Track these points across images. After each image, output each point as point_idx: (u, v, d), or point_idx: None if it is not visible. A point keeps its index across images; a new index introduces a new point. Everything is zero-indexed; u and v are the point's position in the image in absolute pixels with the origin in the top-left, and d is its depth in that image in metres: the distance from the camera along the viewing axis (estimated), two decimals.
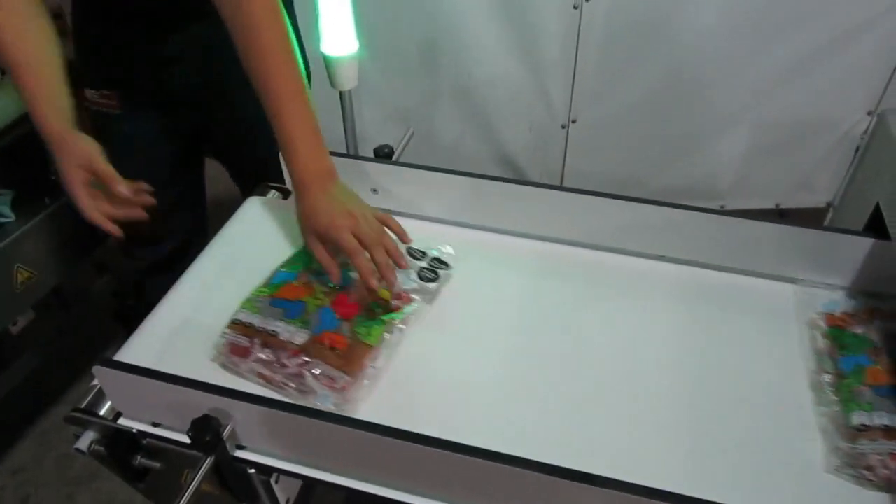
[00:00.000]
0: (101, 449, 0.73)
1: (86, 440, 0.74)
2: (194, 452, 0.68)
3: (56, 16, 1.50)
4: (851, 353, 0.76)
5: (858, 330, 0.79)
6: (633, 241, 0.91)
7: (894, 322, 0.79)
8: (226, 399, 0.65)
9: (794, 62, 1.54)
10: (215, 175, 1.36)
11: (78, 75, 1.07)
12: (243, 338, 0.77)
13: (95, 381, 0.74)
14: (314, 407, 0.70)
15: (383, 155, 1.03)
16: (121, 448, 0.74)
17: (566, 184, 1.79)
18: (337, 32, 1.02)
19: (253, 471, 0.70)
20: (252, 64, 0.84)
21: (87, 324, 1.84)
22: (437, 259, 0.89)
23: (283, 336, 0.76)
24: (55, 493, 1.54)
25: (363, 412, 0.72)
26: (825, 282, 0.87)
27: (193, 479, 0.65)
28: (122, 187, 0.88)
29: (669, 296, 0.87)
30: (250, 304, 0.82)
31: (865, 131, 1.63)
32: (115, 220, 0.91)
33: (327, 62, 1.06)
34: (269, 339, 0.76)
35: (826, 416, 0.71)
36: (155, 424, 0.73)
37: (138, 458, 0.75)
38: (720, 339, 0.81)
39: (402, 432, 0.61)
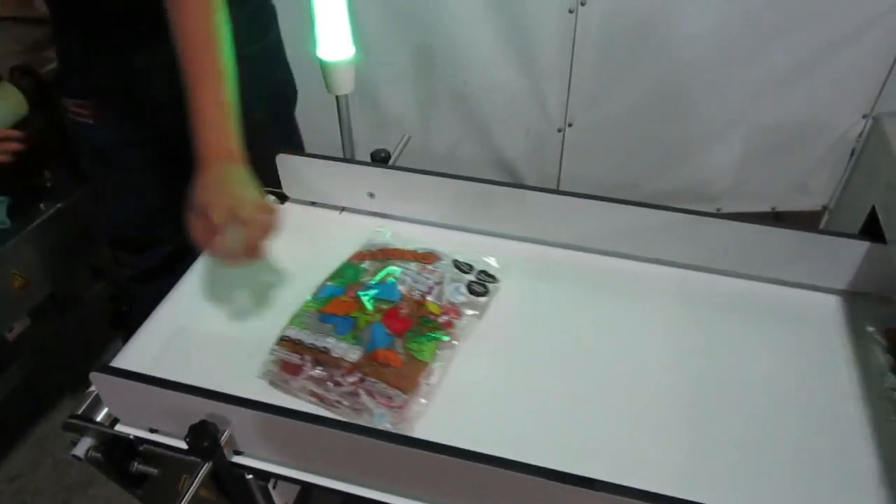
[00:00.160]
0: (98, 455, 0.73)
1: (83, 446, 0.74)
2: (192, 458, 0.67)
3: (43, 22, 1.51)
4: None
5: None
6: (629, 244, 0.91)
7: None
8: (223, 404, 0.65)
9: (790, 66, 1.55)
10: None
11: (59, 84, 1.08)
12: (294, 355, 0.75)
13: (92, 388, 0.74)
14: (370, 426, 0.68)
15: (380, 159, 1.04)
16: (118, 454, 0.74)
17: (562, 187, 1.79)
18: (333, 37, 1.02)
19: (251, 476, 0.69)
20: (177, 43, 0.87)
21: (83, 329, 1.83)
22: (485, 272, 0.88)
23: (336, 353, 0.74)
24: (51, 500, 1.53)
25: (420, 431, 0.70)
26: (821, 285, 0.87)
27: (191, 485, 0.65)
28: None
29: (666, 299, 0.87)
30: (298, 319, 0.79)
31: (860, 135, 1.63)
32: None
33: (324, 67, 1.06)
34: (320, 357, 0.74)
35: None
36: (152, 430, 0.73)
37: (135, 464, 0.75)
38: (718, 342, 0.82)
39: (397, 437, 0.61)
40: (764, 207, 1.83)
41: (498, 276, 0.88)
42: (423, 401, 0.72)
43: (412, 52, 1.63)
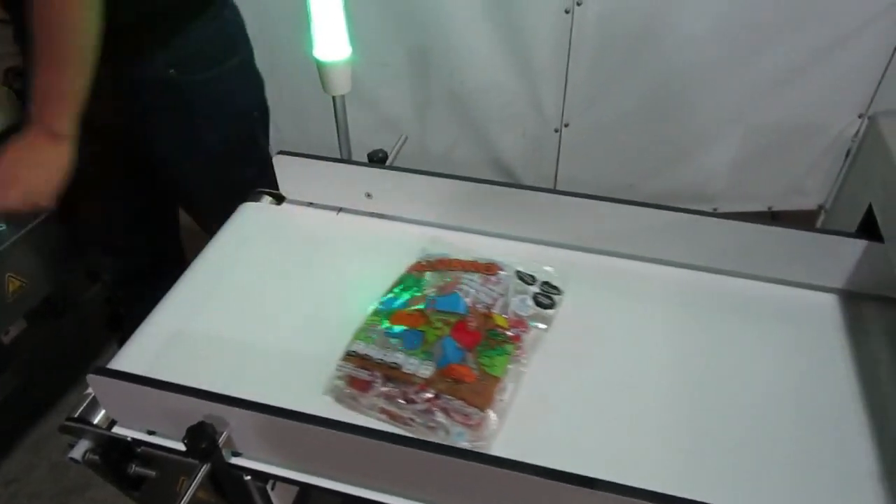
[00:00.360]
0: (96, 458, 0.73)
1: (80, 449, 0.74)
2: (190, 460, 0.67)
3: None
4: None
5: None
6: (627, 244, 0.91)
7: None
8: (221, 406, 0.65)
9: (786, 67, 1.55)
10: None
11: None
12: (362, 371, 0.73)
13: (89, 390, 0.74)
14: (447, 444, 0.66)
15: (377, 160, 1.04)
16: (115, 456, 0.73)
17: (559, 188, 1.79)
18: (330, 37, 1.02)
19: (249, 478, 0.69)
20: (34, 28, 0.89)
21: (80, 332, 1.83)
22: (548, 283, 0.86)
23: (407, 369, 0.72)
24: (48, 503, 1.53)
25: (497, 448, 0.68)
26: (818, 284, 0.87)
27: (189, 486, 0.65)
28: None
29: (663, 298, 0.87)
30: (363, 333, 0.77)
31: (856, 134, 1.64)
32: None
33: (320, 67, 1.06)
34: (391, 373, 0.72)
35: None
36: (150, 432, 0.73)
37: (133, 466, 0.74)
38: (715, 341, 0.82)
39: (394, 436, 0.61)
40: (761, 207, 1.83)
41: (561, 286, 0.86)
42: (496, 417, 0.70)
43: (409, 53, 1.63)
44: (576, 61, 1.58)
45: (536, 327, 0.81)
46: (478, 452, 0.59)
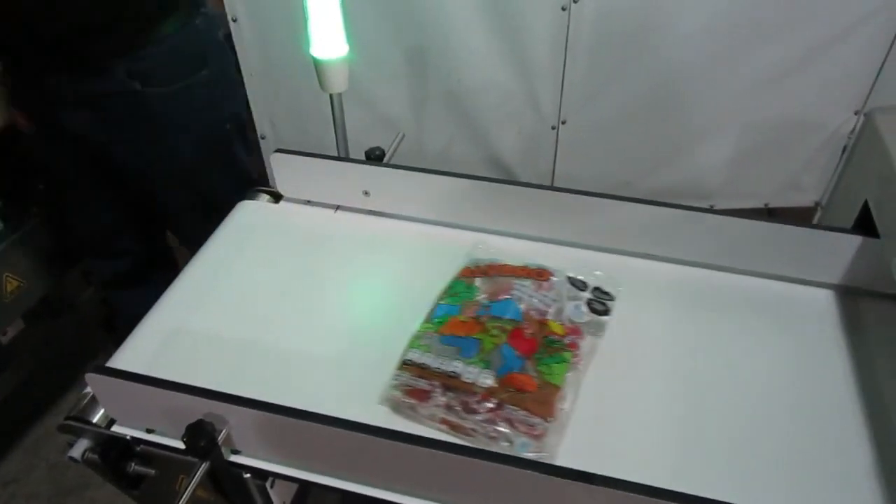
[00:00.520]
0: (95, 457, 0.73)
1: (79, 448, 0.74)
2: (189, 458, 0.67)
3: None
4: None
5: None
6: (625, 240, 0.91)
7: None
8: (220, 403, 0.65)
9: (783, 64, 1.55)
10: None
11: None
12: (420, 380, 0.72)
13: (88, 389, 0.74)
14: (511, 454, 0.65)
15: (374, 157, 1.03)
16: (115, 455, 0.73)
17: (557, 185, 1.79)
18: (326, 35, 1.02)
19: (248, 475, 0.69)
20: None
21: (77, 333, 1.83)
22: (599, 289, 0.85)
23: (466, 378, 0.71)
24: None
25: (562, 458, 0.67)
26: (815, 279, 0.87)
27: (188, 485, 0.65)
28: None
29: (660, 296, 0.87)
30: (417, 341, 0.77)
31: (852, 131, 1.64)
32: None
33: (317, 65, 1.06)
34: (450, 382, 0.71)
35: None
36: (149, 431, 0.73)
37: (132, 465, 0.74)
38: (712, 337, 0.82)
39: (394, 433, 0.61)
40: (757, 204, 1.83)
41: (613, 292, 0.85)
42: (559, 426, 0.69)
43: (405, 51, 1.62)
44: (573, 59, 1.57)
45: (590, 334, 0.80)
46: (487, 452, 0.59)
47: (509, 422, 0.68)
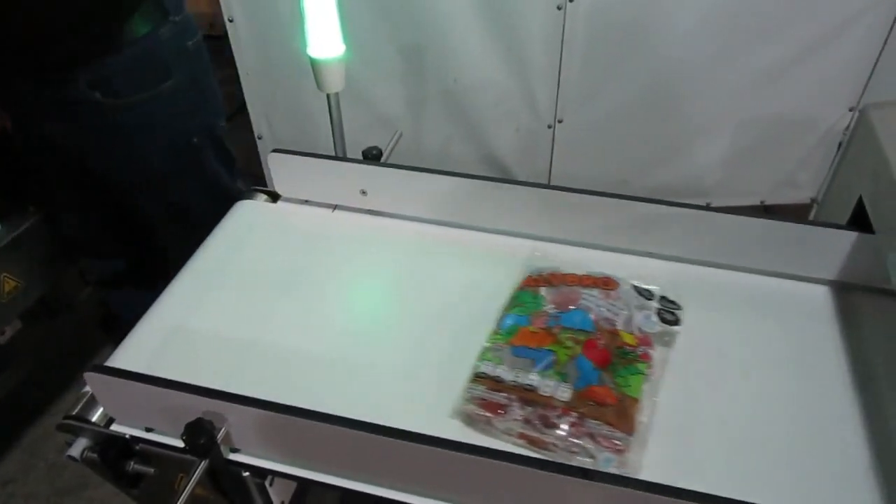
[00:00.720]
0: (94, 456, 0.73)
1: (78, 447, 0.74)
2: (188, 457, 0.67)
3: None
4: None
5: None
6: (621, 238, 0.92)
7: None
8: (219, 402, 0.65)
9: (777, 61, 1.56)
10: None
11: None
12: (496, 393, 0.70)
13: (87, 388, 0.74)
14: (593, 468, 0.63)
15: (371, 157, 1.04)
16: (114, 454, 0.73)
17: (553, 184, 1.79)
18: (323, 35, 1.02)
19: (247, 474, 0.69)
20: None
21: (75, 333, 1.83)
22: (665, 298, 0.83)
23: (544, 391, 0.69)
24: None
25: (646, 473, 0.65)
26: (810, 275, 0.88)
27: (188, 483, 0.65)
28: None
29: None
30: (489, 353, 0.75)
31: (847, 127, 1.65)
32: None
33: (314, 65, 1.06)
34: (527, 395, 0.69)
35: None
36: (148, 430, 0.73)
37: (131, 464, 0.74)
38: (712, 335, 0.82)
39: (393, 430, 0.61)
40: (753, 201, 1.84)
41: (679, 301, 0.83)
42: (639, 439, 0.68)
43: (402, 51, 1.63)
44: (569, 57, 1.58)
45: (661, 345, 0.78)
46: (487, 448, 0.59)
47: (591, 436, 0.66)
